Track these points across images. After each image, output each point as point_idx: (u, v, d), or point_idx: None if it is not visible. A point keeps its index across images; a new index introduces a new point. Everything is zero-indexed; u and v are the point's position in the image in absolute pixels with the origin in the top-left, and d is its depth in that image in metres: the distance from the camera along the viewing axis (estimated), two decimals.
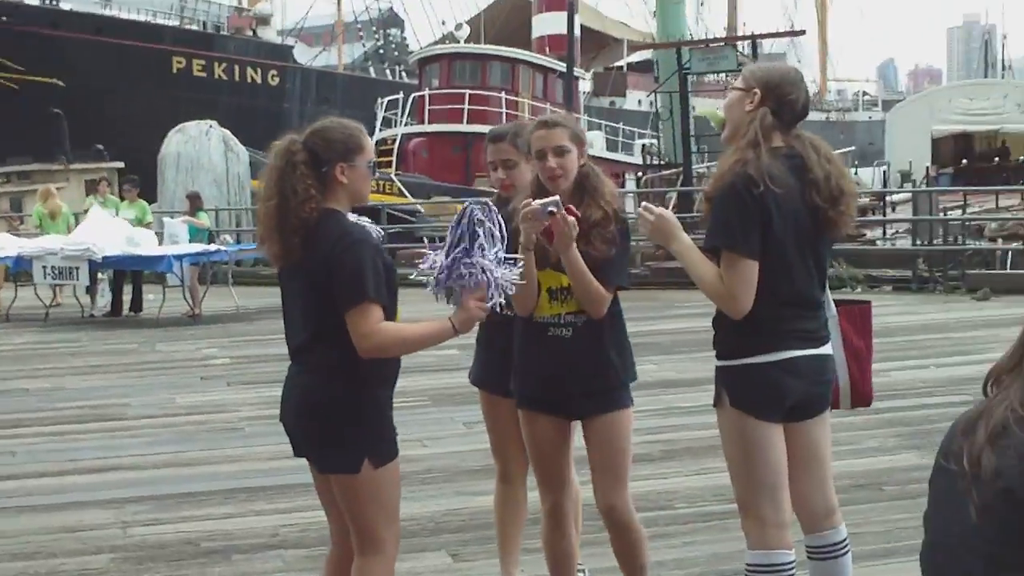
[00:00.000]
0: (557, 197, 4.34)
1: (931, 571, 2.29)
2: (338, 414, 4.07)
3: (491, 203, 4.25)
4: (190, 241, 17.96)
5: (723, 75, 26.97)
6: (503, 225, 4.12)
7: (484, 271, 4.05)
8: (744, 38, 26.29)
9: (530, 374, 4.68)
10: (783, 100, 4.17)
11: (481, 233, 4.08)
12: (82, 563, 6.21)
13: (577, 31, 37.24)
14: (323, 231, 4.04)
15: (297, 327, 4.19)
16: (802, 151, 4.15)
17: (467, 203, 4.19)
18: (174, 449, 8.75)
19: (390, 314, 4.06)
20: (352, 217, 4.23)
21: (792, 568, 4.22)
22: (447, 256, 4.07)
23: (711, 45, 26.41)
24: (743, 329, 4.08)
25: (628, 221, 4.66)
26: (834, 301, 4.45)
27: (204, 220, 19.03)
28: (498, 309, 4.13)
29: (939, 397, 9.63)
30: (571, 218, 4.31)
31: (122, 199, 19.54)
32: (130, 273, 17.65)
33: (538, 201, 4.33)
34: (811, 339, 4.17)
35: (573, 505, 4.94)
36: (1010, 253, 18.82)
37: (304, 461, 4.17)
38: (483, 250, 4.05)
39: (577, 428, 4.77)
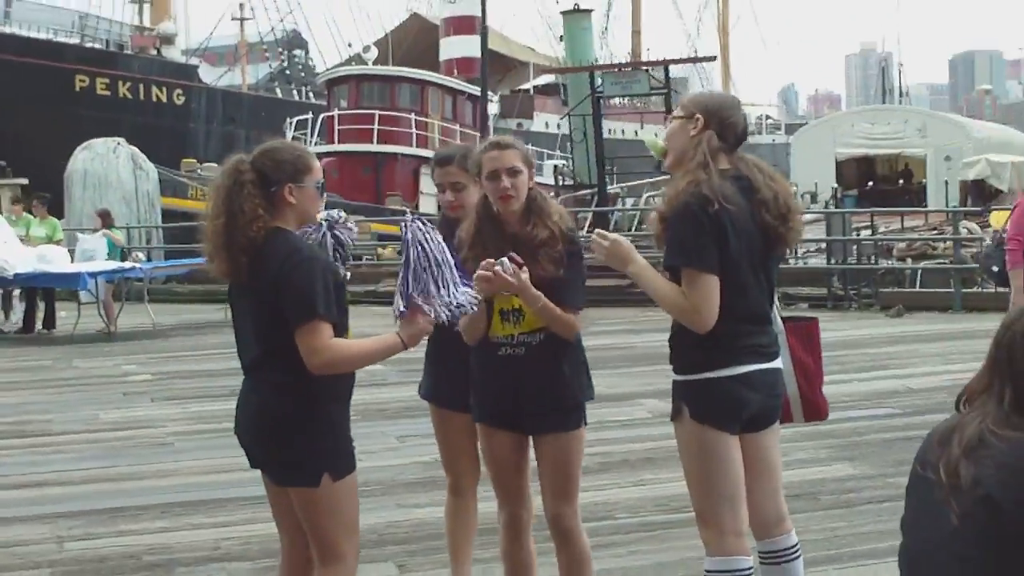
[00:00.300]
0: (504, 260, 4.40)
1: (911, 573, 2.36)
2: (295, 430, 4.07)
3: (424, 222, 4.29)
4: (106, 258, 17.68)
5: (634, 99, 27.23)
6: (441, 243, 4.19)
7: (433, 290, 4.13)
8: (657, 63, 26.61)
9: (486, 391, 4.72)
10: (725, 123, 4.29)
11: (425, 251, 4.16)
12: None
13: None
14: (271, 249, 4.04)
15: (248, 344, 4.19)
16: (748, 172, 4.28)
17: (407, 222, 4.23)
18: (102, 464, 8.62)
19: (340, 330, 4.07)
20: (322, 214, 4.24)
21: (750, 572, 4.29)
22: (402, 280, 4.13)
23: (623, 69, 26.64)
24: (702, 345, 4.17)
25: (580, 242, 4.70)
26: (781, 317, 4.53)
27: (119, 236, 18.79)
28: (444, 323, 4.17)
29: (864, 410, 9.79)
30: (511, 266, 4.38)
31: (32, 215, 19.19)
32: (42, 290, 17.35)
33: (485, 263, 4.41)
34: (764, 354, 4.28)
35: (530, 516, 4.95)
36: (919, 272, 19.20)
37: (240, 474, 4.15)
38: (426, 269, 4.13)
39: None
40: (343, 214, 4.38)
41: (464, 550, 5.36)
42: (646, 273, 4.24)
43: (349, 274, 4.37)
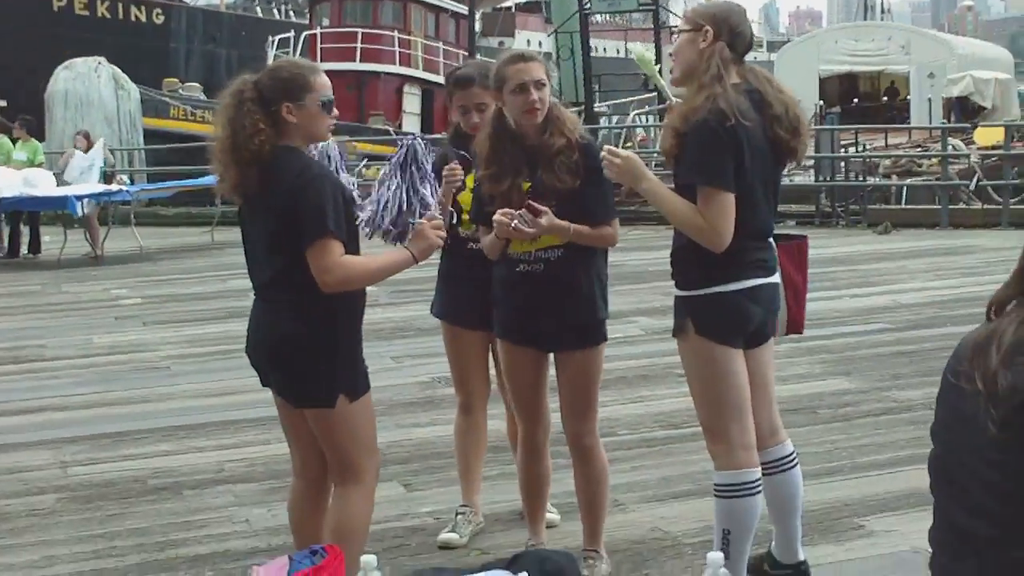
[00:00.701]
0: (522, 212, 4.40)
1: (943, 480, 2.38)
2: (311, 350, 4.08)
3: (422, 140, 4.35)
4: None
5: (617, 16, 26.95)
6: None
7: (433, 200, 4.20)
8: None
9: (507, 307, 4.72)
10: (735, 33, 4.23)
11: (427, 167, 4.19)
12: (28, 504, 6.11)
13: None
14: (282, 165, 4.05)
15: (262, 263, 4.18)
16: (759, 85, 4.23)
17: (407, 139, 4.27)
18: (101, 389, 8.63)
19: (352, 248, 4.07)
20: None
21: (760, 484, 4.32)
22: (394, 195, 4.14)
23: None
24: (709, 260, 4.14)
25: (598, 153, 4.57)
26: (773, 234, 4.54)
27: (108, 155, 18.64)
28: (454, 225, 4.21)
29: (855, 326, 9.85)
30: (529, 217, 4.39)
31: (13, 140, 18.99)
32: (26, 214, 17.25)
33: (503, 216, 4.42)
34: (767, 268, 4.29)
35: (547, 433, 4.99)
36: (905, 189, 19.23)
37: (239, 396, 4.17)
38: (429, 184, 4.18)
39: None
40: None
41: (475, 468, 5.41)
42: (660, 191, 4.21)
43: (358, 193, 4.36)
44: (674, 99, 4.49)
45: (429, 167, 4.35)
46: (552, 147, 4.49)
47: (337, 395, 4.09)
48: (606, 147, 4.36)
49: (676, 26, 4.97)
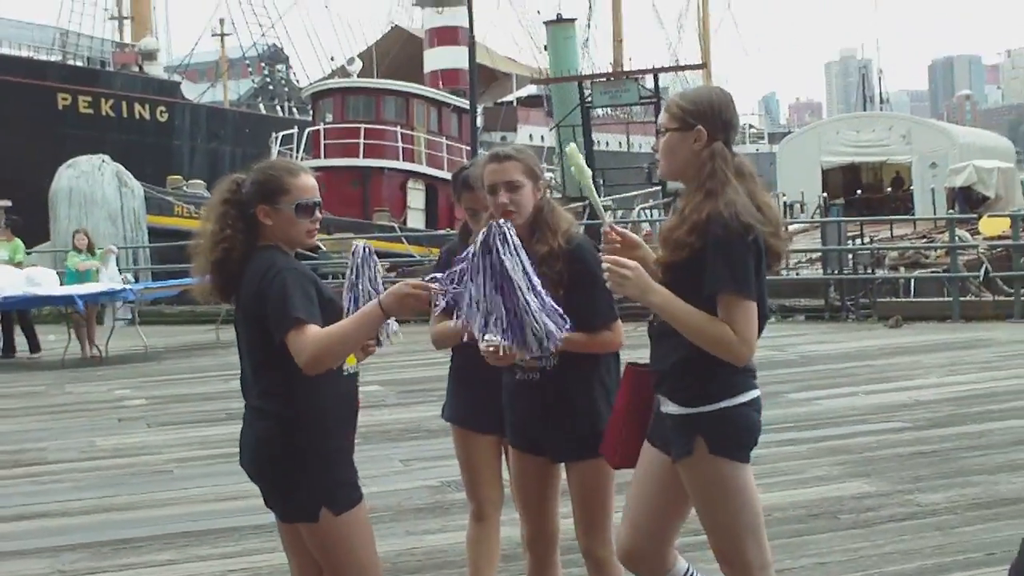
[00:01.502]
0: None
1: None
2: (287, 462, 3.93)
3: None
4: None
5: (619, 109, 27.05)
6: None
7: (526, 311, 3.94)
8: (646, 72, 26.50)
9: (512, 414, 4.57)
10: (730, 127, 4.02)
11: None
12: None
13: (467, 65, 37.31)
14: (253, 268, 3.97)
15: (243, 367, 4.08)
16: (753, 187, 3.99)
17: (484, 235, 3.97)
18: (102, 494, 8.42)
19: None
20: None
21: None
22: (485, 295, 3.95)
23: (612, 79, 26.54)
24: (721, 372, 3.91)
25: (587, 255, 4.38)
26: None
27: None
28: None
29: (873, 424, 9.65)
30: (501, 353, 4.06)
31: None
32: (16, 314, 17.14)
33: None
34: (755, 375, 4.07)
35: (553, 541, 4.79)
36: (913, 281, 19.12)
37: (245, 502, 4.04)
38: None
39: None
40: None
41: None
42: (673, 303, 3.88)
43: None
44: (605, 214, 4.17)
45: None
46: (534, 256, 4.23)
47: (319, 508, 3.91)
48: (610, 258, 3.96)
49: (659, 123, 4.72)
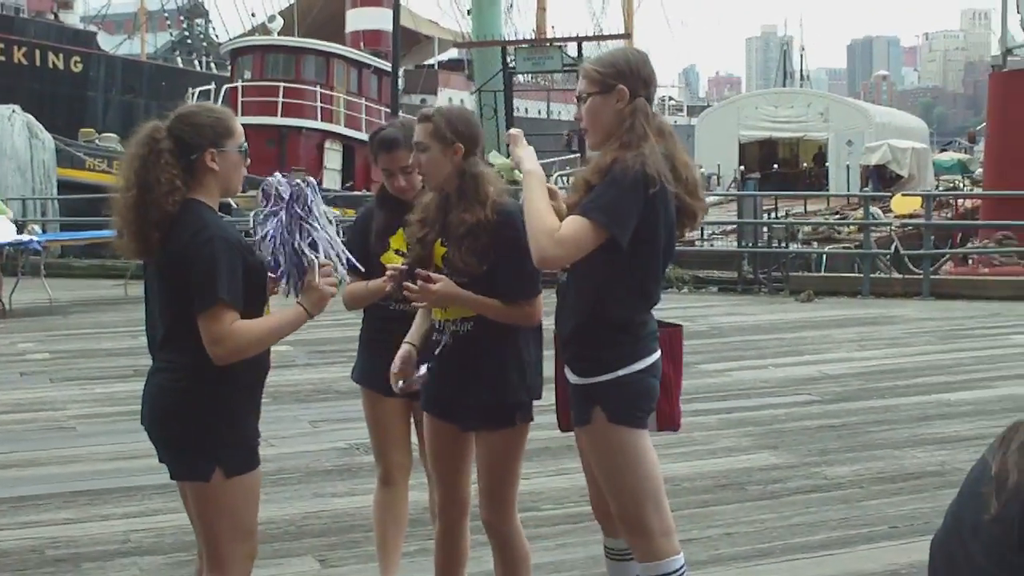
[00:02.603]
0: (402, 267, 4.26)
1: (941, 556, 2.26)
2: (186, 416, 3.79)
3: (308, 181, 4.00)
4: None
5: (540, 76, 26.95)
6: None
7: (329, 244, 3.89)
8: (570, 39, 26.43)
9: (428, 377, 4.46)
10: (649, 84, 4.01)
11: (313, 209, 3.89)
12: None
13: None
14: (181, 222, 3.77)
15: (155, 322, 3.91)
16: (672, 148, 3.98)
17: (289, 180, 3.91)
18: (1, 450, 8.24)
19: (253, 313, 3.81)
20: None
21: (685, 570, 4.08)
22: (277, 238, 3.85)
23: (535, 46, 26.45)
24: (618, 339, 3.90)
25: (517, 223, 4.21)
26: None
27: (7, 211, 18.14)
28: (346, 280, 3.95)
29: (782, 397, 9.71)
30: (417, 285, 4.16)
31: None
32: None
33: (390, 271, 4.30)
34: (656, 339, 4.04)
35: (463, 510, 4.73)
36: (825, 256, 19.29)
37: (150, 460, 3.93)
38: (319, 226, 3.87)
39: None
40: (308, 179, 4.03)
41: (393, 543, 5.13)
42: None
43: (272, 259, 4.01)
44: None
45: (321, 208, 3.92)
46: (461, 226, 4.20)
47: (212, 468, 3.78)
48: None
49: (579, 90, 4.57)
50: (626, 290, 3.92)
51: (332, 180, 35.56)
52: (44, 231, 20.85)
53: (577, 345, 3.95)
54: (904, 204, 24.17)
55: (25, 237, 16.76)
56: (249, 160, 3.95)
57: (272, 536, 6.09)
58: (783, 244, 19.64)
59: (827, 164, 37.99)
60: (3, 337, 13.74)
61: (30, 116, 25.62)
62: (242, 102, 35.34)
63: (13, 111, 25.39)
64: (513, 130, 4.15)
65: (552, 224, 3.80)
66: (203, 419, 3.78)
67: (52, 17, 47.95)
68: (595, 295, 3.91)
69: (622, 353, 3.90)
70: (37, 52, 43.71)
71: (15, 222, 18.02)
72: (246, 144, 3.93)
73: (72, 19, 49.42)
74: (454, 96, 54.45)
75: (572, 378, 3.99)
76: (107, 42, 54.14)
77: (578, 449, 4.26)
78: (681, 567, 4.05)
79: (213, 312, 3.67)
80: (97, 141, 32.23)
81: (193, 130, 3.84)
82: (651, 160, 3.82)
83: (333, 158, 36.05)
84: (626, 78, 3.95)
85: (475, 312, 4.25)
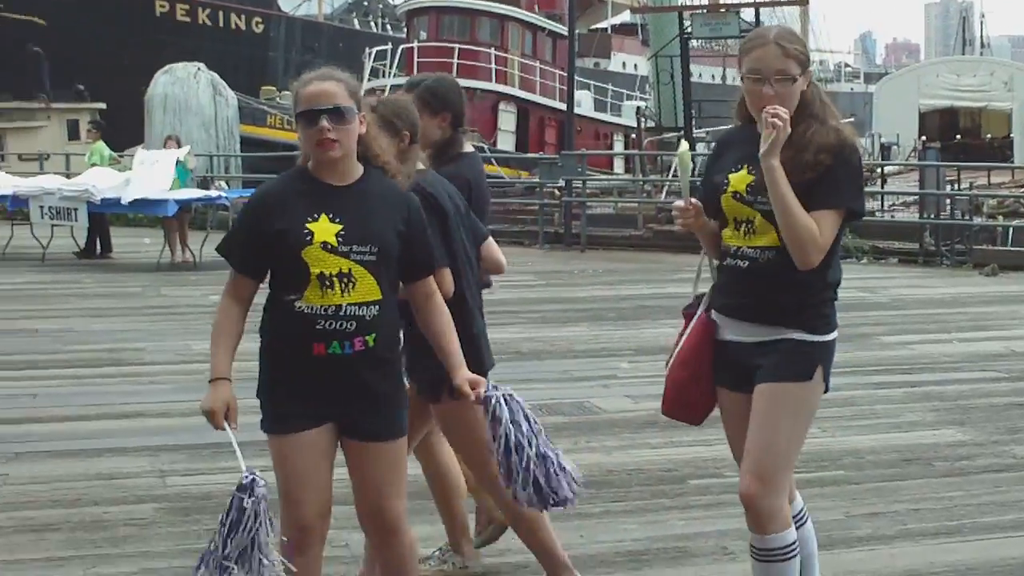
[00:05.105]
0: None
1: None
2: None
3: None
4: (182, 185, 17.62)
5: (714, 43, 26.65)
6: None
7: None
8: (747, 5, 26.08)
9: None
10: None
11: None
12: (127, 512, 6.04)
13: None
14: None
15: None
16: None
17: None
18: (198, 397, 8.44)
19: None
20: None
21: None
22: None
23: (713, 11, 26.20)
24: (830, 303, 3.99)
25: (430, 193, 4.31)
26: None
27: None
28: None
29: (967, 372, 9.53)
30: None
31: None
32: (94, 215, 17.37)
33: None
34: None
35: None
36: (1011, 230, 18.78)
37: None
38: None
39: None
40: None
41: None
42: (786, 185, 3.82)
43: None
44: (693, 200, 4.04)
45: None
46: None
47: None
48: (771, 108, 3.82)
49: (784, 69, 4.56)
50: (837, 254, 4.03)
51: (506, 142, 35.80)
52: (228, 186, 21.44)
53: (811, 305, 3.95)
54: None
55: (213, 193, 17.28)
56: (324, 122, 3.67)
57: None
58: (967, 216, 19.13)
59: (1011, 135, 36.81)
60: (194, 289, 14.22)
61: (214, 74, 26.29)
62: (417, 62, 35.77)
63: (199, 69, 26.10)
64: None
65: (816, 232, 3.84)
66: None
67: None
68: (826, 259, 3.93)
69: (833, 319, 4.01)
70: (220, 14, 44.88)
71: (203, 177, 18.60)
72: (308, 107, 3.70)
73: None
74: (627, 60, 54.36)
75: (799, 335, 3.93)
76: (287, 3, 55.23)
77: (730, 413, 4.13)
78: (795, 540, 4.02)
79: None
80: (278, 99, 32.96)
81: None
82: (852, 134, 3.99)
83: (507, 120, 36.24)
84: (808, 58, 3.99)
85: None
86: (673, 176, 22.21)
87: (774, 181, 3.81)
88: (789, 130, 3.81)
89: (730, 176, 3.98)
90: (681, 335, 4.18)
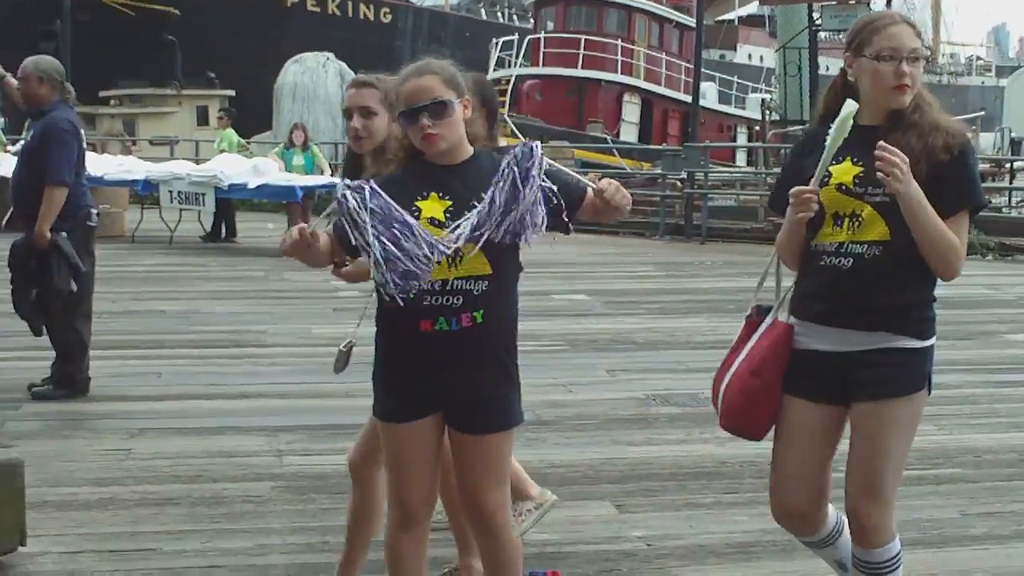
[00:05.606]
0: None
1: None
2: None
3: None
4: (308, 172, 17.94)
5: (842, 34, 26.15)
6: None
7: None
8: None
9: None
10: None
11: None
12: (244, 490, 6.17)
13: None
14: None
15: None
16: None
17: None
18: (317, 379, 8.69)
19: None
20: None
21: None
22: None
23: (843, 2, 25.86)
24: (933, 308, 3.84)
25: None
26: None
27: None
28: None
29: None
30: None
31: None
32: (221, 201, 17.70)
33: None
34: None
35: None
36: None
37: None
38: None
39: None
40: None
41: None
42: (925, 202, 3.67)
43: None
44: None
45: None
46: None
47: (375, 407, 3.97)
48: (879, 144, 3.66)
49: (915, 48, 4.44)
50: None
51: (629, 133, 35.73)
52: None
53: (914, 307, 3.81)
54: None
55: (337, 180, 17.47)
56: (424, 120, 3.67)
57: (570, 479, 6.29)
58: None
59: None
60: (316, 274, 14.33)
61: (343, 63, 26.62)
62: (544, 53, 35.90)
63: (328, 58, 26.46)
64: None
65: (957, 243, 3.75)
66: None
67: None
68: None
69: (934, 324, 3.86)
70: (349, 3, 45.41)
71: (330, 164, 18.87)
72: (408, 106, 3.70)
73: None
74: (753, 52, 53.84)
75: (908, 343, 3.78)
76: None
77: (798, 425, 3.96)
78: (900, 551, 3.93)
79: None
80: None
81: None
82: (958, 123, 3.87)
83: (631, 111, 36.19)
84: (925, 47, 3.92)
85: None
86: None
87: (922, 207, 3.65)
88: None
89: (831, 169, 3.79)
90: (741, 344, 4.06)
